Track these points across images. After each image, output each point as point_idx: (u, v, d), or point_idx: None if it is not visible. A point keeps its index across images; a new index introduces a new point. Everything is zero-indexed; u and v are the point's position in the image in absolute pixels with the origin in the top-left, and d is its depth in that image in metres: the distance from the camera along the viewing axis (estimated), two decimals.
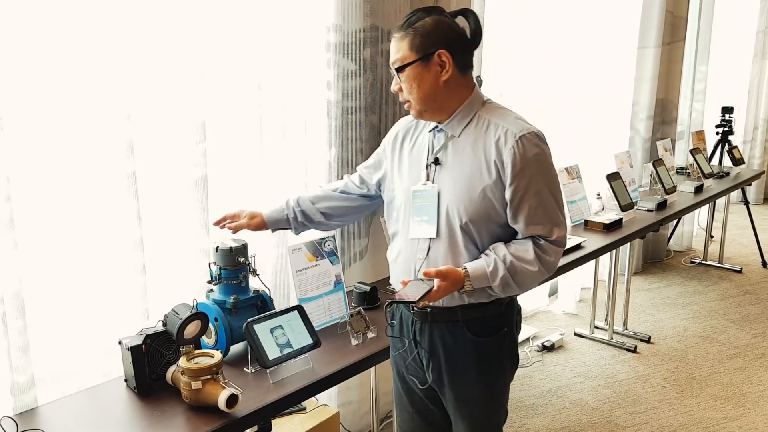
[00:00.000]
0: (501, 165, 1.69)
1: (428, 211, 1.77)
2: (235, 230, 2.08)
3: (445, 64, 1.71)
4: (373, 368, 2.45)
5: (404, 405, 2.04)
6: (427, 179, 1.79)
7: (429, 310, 1.81)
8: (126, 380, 1.92)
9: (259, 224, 2.09)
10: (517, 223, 1.73)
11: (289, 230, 2.15)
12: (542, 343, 3.90)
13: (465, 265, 1.72)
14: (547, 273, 1.75)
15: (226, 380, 1.78)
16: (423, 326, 1.84)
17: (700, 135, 5.15)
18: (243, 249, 2.08)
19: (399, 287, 1.74)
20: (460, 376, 1.84)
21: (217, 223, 2.12)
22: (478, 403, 1.87)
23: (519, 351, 1.96)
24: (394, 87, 1.78)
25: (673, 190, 4.21)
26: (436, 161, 1.79)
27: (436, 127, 1.81)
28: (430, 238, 1.77)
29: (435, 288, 1.65)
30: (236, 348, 2.11)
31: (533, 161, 1.69)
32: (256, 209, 2.12)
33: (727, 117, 5.45)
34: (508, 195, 1.70)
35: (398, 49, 1.72)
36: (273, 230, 2.14)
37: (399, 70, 1.72)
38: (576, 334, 4.10)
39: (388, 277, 2.72)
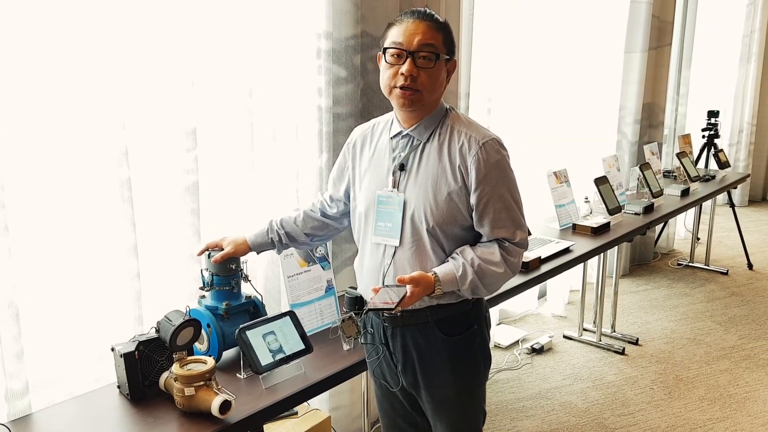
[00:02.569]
0: (465, 170, 1.74)
1: (393, 217, 1.80)
2: (221, 260, 2.05)
3: (450, 73, 1.79)
4: (364, 372, 2.47)
5: (386, 411, 2.07)
6: (394, 186, 1.81)
7: (399, 314, 1.83)
8: (119, 386, 1.92)
9: (245, 250, 2.08)
10: (483, 227, 1.77)
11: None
12: (531, 346, 3.92)
13: (434, 270, 1.75)
14: (512, 274, 1.80)
15: (219, 386, 1.79)
16: (394, 330, 1.87)
17: (686, 138, 5.20)
18: None
19: (369, 295, 1.75)
20: (435, 376, 1.86)
21: (200, 254, 2.11)
22: (455, 403, 1.89)
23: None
24: (410, 69, 1.69)
25: (660, 193, 4.25)
26: (402, 167, 1.80)
27: (400, 132, 1.83)
28: (395, 246, 1.80)
29: (408, 294, 1.67)
30: (229, 354, 2.12)
31: (496, 167, 1.74)
32: (239, 230, 2.12)
33: (713, 120, 5.51)
34: (473, 200, 1.75)
35: (432, 36, 1.70)
36: (258, 252, 2.12)
37: (437, 57, 1.71)
38: (565, 337, 4.13)
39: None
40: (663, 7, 4.98)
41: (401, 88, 1.72)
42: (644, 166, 4.24)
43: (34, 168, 1.93)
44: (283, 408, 1.92)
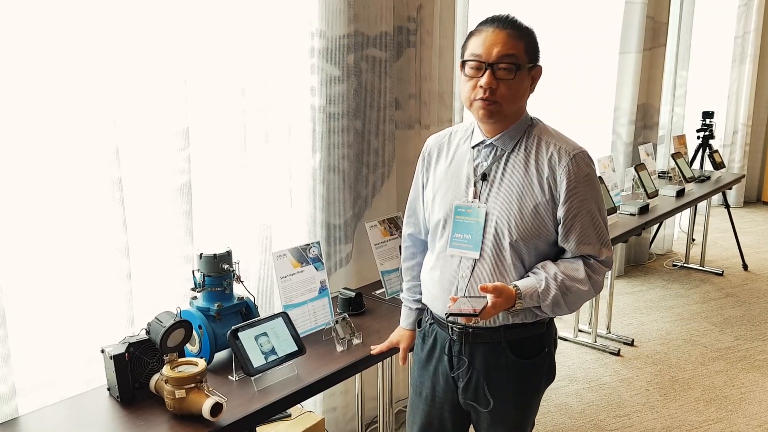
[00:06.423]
0: (554, 182, 1.68)
1: (472, 229, 1.73)
2: (405, 358, 2.09)
3: (535, 80, 1.72)
4: (358, 374, 2.45)
5: (422, 426, 1.98)
6: (475, 197, 1.74)
7: (470, 330, 1.77)
8: (109, 389, 1.90)
9: (413, 335, 2.06)
10: (568, 242, 1.72)
11: None
12: None
13: (515, 283, 1.68)
14: (595, 293, 1.74)
15: (211, 388, 1.76)
16: (462, 347, 1.80)
17: (681, 139, 5.20)
18: (227, 256, 2.07)
19: (447, 304, 1.69)
20: (499, 396, 1.81)
21: (377, 352, 2.14)
22: (513, 421, 1.86)
23: None
24: (489, 82, 1.63)
25: (655, 194, 4.24)
26: (484, 177, 1.74)
27: (483, 142, 1.76)
28: (474, 258, 1.73)
29: (489, 304, 1.60)
30: (220, 356, 2.09)
31: (585, 180, 1.69)
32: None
33: (707, 121, 5.51)
34: (561, 213, 1.69)
35: (513, 46, 1.64)
36: (413, 329, 2.08)
37: (517, 67, 1.64)
38: (560, 338, 4.11)
39: (373, 283, 2.74)
40: (657, 8, 4.98)
41: (480, 99, 1.66)
42: (639, 166, 4.23)
43: (22, 166, 1.90)
44: (276, 410, 1.90)
